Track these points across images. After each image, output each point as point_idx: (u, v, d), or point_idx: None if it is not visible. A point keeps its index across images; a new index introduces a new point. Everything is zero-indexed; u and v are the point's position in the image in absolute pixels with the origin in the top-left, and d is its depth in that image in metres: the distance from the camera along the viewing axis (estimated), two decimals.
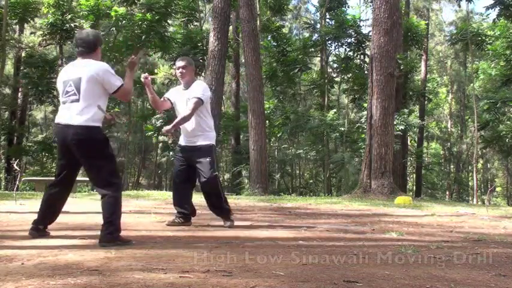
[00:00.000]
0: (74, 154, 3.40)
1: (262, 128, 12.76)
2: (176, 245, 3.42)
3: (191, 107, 4.34)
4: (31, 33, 22.83)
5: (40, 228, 3.53)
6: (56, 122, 3.48)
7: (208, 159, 4.39)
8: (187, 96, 4.46)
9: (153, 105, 4.69)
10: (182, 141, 4.60)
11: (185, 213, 4.55)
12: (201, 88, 4.47)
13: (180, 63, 4.59)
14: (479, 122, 19.03)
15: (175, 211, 4.63)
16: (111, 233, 3.29)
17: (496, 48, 18.99)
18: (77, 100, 3.34)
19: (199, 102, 4.37)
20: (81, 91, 3.34)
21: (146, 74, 4.42)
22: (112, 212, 3.34)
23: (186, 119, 4.35)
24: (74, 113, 3.34)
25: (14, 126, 21.19)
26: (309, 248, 3.34)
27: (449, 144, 33.95)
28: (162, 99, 4.67)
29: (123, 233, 3.97)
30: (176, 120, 4.39)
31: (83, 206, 6.40)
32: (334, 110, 19.11)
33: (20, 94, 22.38)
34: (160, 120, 20.25)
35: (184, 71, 4.52)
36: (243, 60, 14.67)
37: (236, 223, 4.83)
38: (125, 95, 3.55)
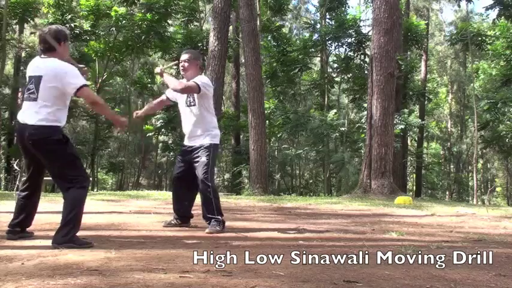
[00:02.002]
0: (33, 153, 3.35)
1: (262, 128, 12.76)
2: (176, 245, 3.42)
3: (187, 84, 4.12)
4: (31, 33, 22.84)
5: (17, 230, 3.45)
6: (17, 118, 3.41)
7: (204, 159, 4.16)
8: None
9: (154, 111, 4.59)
10: (185, 140, 4.42)
11: (183, 215, 4.44)
12: (200, 78, 4.23)
13: (183, 56, 4.34)
14: (479, 122, 19.03)
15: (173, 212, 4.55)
16: (66, 235, 3.16)
17: (496, 48, 18.99)
18: (35, 99, 3.27)
19: (195, 87, 4.12)
20: (39, 90, 3.26)
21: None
22: (70, 211, 3.22)
23: (174, 84, 4.13)
24: (30, 112, 3.27)
25: (14, 126, 21.18)
26: (309, 248, 3.34)
27: (449, 144, 33.95)
28: (162, 97, 4.60)
29: (123, 233, 3.99)
30: (169, 78, 4.16)
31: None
32: (335, 111, 19.10)
33: (20, 94, 22.38)
34: (161, 121, 20.27)
35: (187, 64, 4.28)
36: (243, 60, 14.68)
37: (236, 223, 4.82)
38: (88, 97, 3.42)
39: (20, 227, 3.48)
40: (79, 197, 3.30)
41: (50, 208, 5.39)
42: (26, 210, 3.48)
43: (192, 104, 4.27)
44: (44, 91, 3.26)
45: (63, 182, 3.31)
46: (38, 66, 3.36)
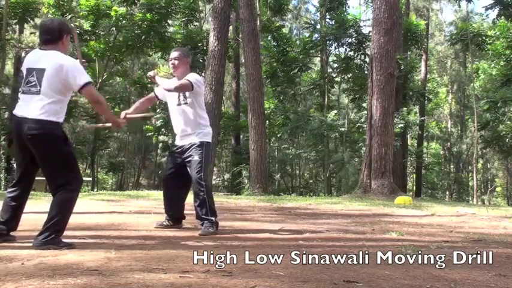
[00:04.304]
0: (30, 149, 3.18)
1: (262, 128, 12.76)
2: (176, 245, 3.42)
3: (180, 82, 4.09)
4: (31, 33, 22.85)
5: (3, 233, 3.26)
6: (13, 112, 3.24)
7: (197, 158, 4.08)
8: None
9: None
10: (177, 140, 4.37)
11: (174, 215, 4.37)
12: (192, 76, 4.21)
13: (173, 54, 4.32)
14: (479, 122, 19.04)
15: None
16: (47, 237, 3.05)
17: (496, 48, 19.00)
18: (38, 92, 3.13)
19: (189, 85, 4.10)
20: (42, 83, 3.12)
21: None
22: (56, 214, 3.10)
23: (168, 85, 4.15)
24: (32, 106, 3.13)
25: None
26: (309, 248, 3.34)
27: (449, 144, 33.97)
28: (150, 96, 4.59)
29: (123, 233, 3.99)
30: (162, 79, 4.20)
31: (83, 206, 6.40)
32: (335, 112, 19.11)
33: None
34: (161, 120, 20.28)
35: (177, 62, 4.25)
36: (243, 60, 14.68)
37: (236, 223, 4.82)
38: (92, 96, 3.31)
39: (6, 229, 3.29)
40: (68, 201, 3.18)
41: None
42: (13, 212, 3.30)
43: (183, 102, 4.22)
44: (48, 85, 3.13)
45: (55, 183, 3.19)
46: (40, 58, 3.21)
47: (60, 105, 3.21)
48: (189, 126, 4.21)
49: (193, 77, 4.20)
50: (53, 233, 3.09)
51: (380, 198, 9.50)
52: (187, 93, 4.20)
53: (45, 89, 3.14)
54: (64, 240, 3.19)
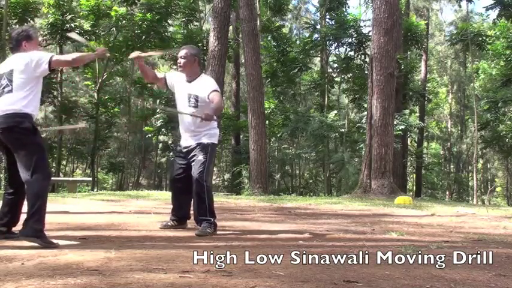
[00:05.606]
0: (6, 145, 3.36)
1: (262, 128, 12.75)
2: (176, 245, 3.42)
3: (218, 99, 4.10)
4: None
5: (2, 230, 3.41)
6: None
7: (201, 158, 4.08)
8: (190, 92, 4.20)
9: (143, 76, 4.48)
10: (182, 140, 4.35)
11: (180, 216, 4.36)
12: (215, 86, 4.23)
13: (180, 52, 4.26)
14: (479, 122, 19.04)
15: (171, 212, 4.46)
16: (32, 226, 3.17)
17: (496, 48, 19.00)
18: (10, 91, 3.33)
19: (222, 102, 4.21)
20: (13, 81, 3.34)
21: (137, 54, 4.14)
22: (34, 204, 3.21)
23: (219, 109, 4.23)
24: (5, 103, 3.32)
25: None
26: (309, 248, 3.34)
27: (449, 144, 33.96)
28: (159, 75, 4.53)
29: (123, 233, 3.99)
30: (213, 110, 4.05)
31: (83, 206, 6.41)
32: (335, 112, 19.10)
33: None
34: (161, 120, 20.28)
35: (184, 61, 4.20)
36: (243, 60, 14.68)
37: (236, 223, 4.82)
38: (66, 62, 3.64)
39: (5, 227, 3.44)
40: (42, 189, 3.29)
41: (48, 208, 5.37)
42: (11, 210, 3.46)
43: (194, 105, 4.19)
44: (18, 81, 3.33)
45: (27, 173, 3.27)
46: (7, 62, 3.49)
47: (31, 99, 3.36)
48: (196, 127, 4.19)
49: (215, 86, 4.23)
50: (36, 223, 3.17)
51: (380, 198, 9.49)
52: (199, 97, 4.18)
53: (16, 85, 3.34)
54: (59, 241, 3.26)
